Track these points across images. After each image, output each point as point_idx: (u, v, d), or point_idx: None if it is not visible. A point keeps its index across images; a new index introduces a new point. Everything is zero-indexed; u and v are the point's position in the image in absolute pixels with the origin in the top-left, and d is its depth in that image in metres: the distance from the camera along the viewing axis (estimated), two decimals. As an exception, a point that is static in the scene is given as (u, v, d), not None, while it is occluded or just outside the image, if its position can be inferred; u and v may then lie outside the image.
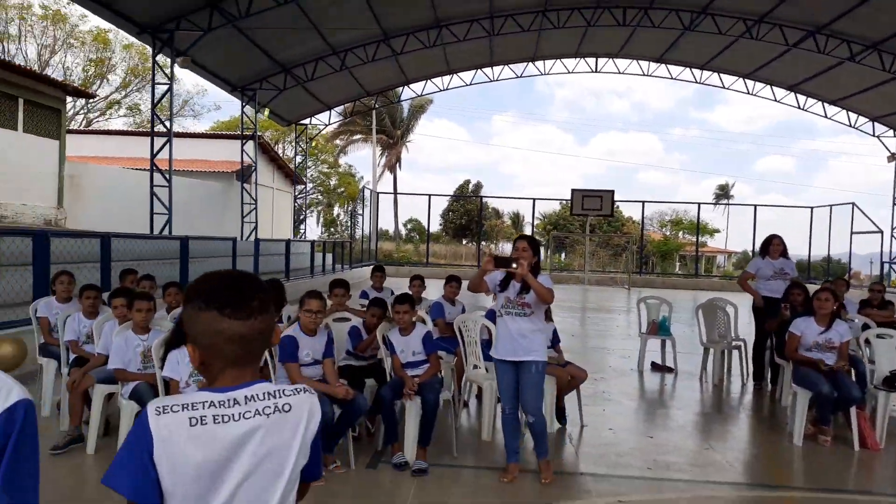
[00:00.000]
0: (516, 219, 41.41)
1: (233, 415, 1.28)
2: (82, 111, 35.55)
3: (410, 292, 5.89)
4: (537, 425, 4.19)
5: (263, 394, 1.33)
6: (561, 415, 5.63)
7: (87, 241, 8.81)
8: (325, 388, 4.22)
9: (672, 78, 24.06)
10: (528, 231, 32.00)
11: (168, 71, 15.93)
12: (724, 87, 23.95)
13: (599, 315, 15.15)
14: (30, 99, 16.40)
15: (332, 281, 5.65)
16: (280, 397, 1.34)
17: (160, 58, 15.77)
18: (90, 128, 33.65)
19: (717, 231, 45.41)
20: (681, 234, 42.94)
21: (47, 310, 5.40)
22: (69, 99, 31.67)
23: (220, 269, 1.41)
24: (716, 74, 23.52)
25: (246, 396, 1.31)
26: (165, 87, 15.87)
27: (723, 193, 58.37)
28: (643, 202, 28.19)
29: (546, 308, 4.36)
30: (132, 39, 22.70)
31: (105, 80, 35.58)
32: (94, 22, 35.57)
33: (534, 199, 28.65)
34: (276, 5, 14.97)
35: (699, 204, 28.46)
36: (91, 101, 34.18)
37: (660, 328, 8.25)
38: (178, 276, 10.88)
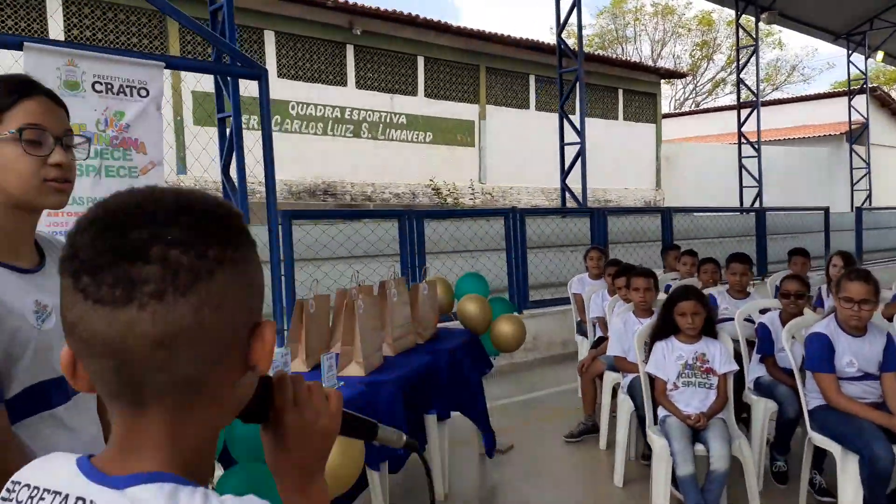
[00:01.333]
0: None
1: None
2: (691, 95, 36.95)
3: None
4: None
5: None
6: None
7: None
8: (881, 419, 2.81)
9: None
10: None
11: (753, 33, 14.80)
12: None
13: None
14: (627, 88, 17.80)
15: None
16: None
17: (745, 20, 14.75)
18: (699, 108, 34.59)
19: None
20: None
21: (580, 286, 5.39)
22: (679, 83, 33.64)
23: (134, 188, 0.60)
24: None
25: None
26: (752, 49, 14.80)
27: None
28: None
29: None
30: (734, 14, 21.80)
31: (710, 62, 36.07)
32: (699, 6, 36.58)
33: None
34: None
35: None
36: (693, 82, 35.25)
37: None
38: (756, 254, 9.91)
